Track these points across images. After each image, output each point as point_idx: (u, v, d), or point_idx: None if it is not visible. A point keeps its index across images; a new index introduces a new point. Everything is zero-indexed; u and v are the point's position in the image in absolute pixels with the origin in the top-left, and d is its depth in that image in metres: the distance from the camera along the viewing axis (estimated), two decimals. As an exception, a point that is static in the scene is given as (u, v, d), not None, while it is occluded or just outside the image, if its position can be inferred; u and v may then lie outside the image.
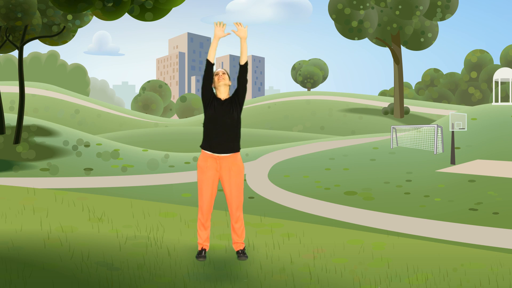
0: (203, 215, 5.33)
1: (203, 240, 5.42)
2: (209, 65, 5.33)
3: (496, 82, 52.48)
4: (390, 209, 12.55)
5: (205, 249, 5.43)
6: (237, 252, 5.47)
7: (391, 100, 51.80)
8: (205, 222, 5.35)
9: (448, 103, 68.74)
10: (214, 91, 5.42)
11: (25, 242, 5.49)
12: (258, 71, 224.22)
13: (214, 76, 5.38)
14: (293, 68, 79.05)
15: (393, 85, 51.34)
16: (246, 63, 5.36)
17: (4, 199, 8.61)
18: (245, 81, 5.35)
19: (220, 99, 5.34)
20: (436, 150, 20.73)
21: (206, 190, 5.30)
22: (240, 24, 5.34)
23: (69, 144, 21.32)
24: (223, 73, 5.35)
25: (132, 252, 5.43)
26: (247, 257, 5.44)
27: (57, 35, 22.37)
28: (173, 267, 4.99)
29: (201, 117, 55.22)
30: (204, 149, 5.33)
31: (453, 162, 18.64)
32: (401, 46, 44.29)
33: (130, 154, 21.64)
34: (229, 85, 5.43)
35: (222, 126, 5.26)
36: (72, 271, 4.58)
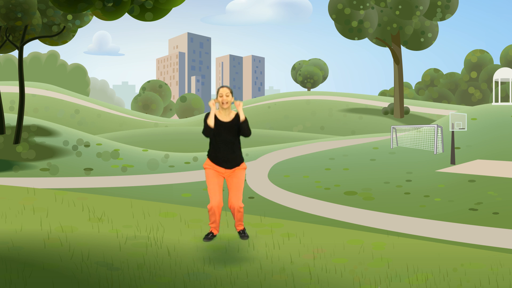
0: (213, 208, 5.92)
1: (214, 226, 6.06)
2: (208, 127, 5.87)
3: (496, 82, 52.49)
4: (390, 209, 12.55)
5: (213, 233, 6.11)
6: (239, 232, 6.22)
7: (391, 100, 51.80)
8: (215, 212, 5.95)
9: (448, 103, 68.75)
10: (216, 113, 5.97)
11: (25, 242, 5.49)
12: (258, 71, 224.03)
13: (218, 96, 5.93)
14: (293, 68, 79.03)
15: (393, 85, 51.35)
16: (245, 121, 5.89)
17: (4, 199, 8.60)
18: (247, 132, 5.89)
19: (223, 121, 5.93)
20: (436, 150, 20.73)
21: (214, 184, 5.92)
22: (238, 104, 5.87)
23: (69, 144, 21.32)
24: (227, 95, 5.90)
25: (132, 252, 5.43)
26: (248, 236, 6.20)
27: (57, 35, 22.37)
28: (173, 267, 4.99)
29: (201, 117, 55.22)
30: (210, 159, 5.99)
31: (453, 162, 18.64)
32: (401, 46, 44.29)
33: (130, 154, 21.63)
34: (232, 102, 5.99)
35: (225, 145, 5.91)
36: (72, 271, 4.58)
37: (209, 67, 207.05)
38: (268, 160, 20.40)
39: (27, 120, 24.24)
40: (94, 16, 20.41)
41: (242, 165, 6.05)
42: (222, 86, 5.94)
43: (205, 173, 6.02)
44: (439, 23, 45.21)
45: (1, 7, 20.04)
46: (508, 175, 16.08)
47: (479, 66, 68.59)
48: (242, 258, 5.58)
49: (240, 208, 6.00)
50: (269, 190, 15.05)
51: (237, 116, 5.96)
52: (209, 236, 6.09)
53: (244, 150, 22.24)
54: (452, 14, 41.02)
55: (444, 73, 72.77)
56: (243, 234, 6.21)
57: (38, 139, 21.51)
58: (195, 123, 51.36)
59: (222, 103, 5.88)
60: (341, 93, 55.57)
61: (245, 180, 16.46)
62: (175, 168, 19.19)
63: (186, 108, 74.43)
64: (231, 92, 5.98)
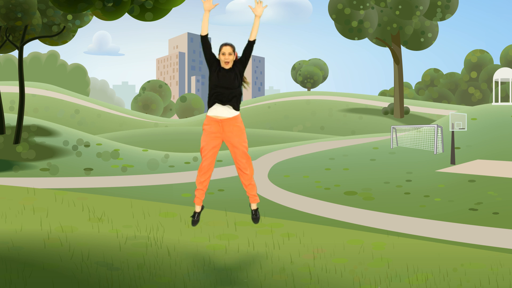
0: (204, 167, 5.60)
1: (199, 195, 5.66)
2: (204, 39, 5.62)
3: (496, 82, 52.48)
4: (390, 209, 12.55)
5: (197, 212, 5.68)
6: (251, 212, 5.78)
7: (391, 100, 51.78)
8: (206, 172, 5.61)
9: (448, 103, 68.72)
10: (218, 57, 5.71)
11: (25, 242, 5.48)
12: (258, 71, 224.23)
13: (220, 54, 5.64)
14: (293, 68, 79.00)
15: (393, 85, 51.35)
16: (255, 41, 5.67)
17: (4, 199, 8.60)
18: (250, 55, 5.69)
19: (224, 68, 5.65)
20: (436, 150, 20.73)
21: (208, 148, 5.61)
22: (260, 2, 5.60)
23: (69, 144, 21.31)
24: (230, 54, 5.61)
25: (132, 252, 5.42)
26: (258, 219, 5.73)
27: (57, 35, 22.36)
28: (173, 267, 4.99)
29: (201, 118, 55.21)
30: (209, 114, 5.70)
31: (453, 162, 18.63)
32: (401, 46, 44.28)
33: (130, 154, 21.63)
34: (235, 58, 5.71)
35: (225, 92, 5.61)
36: (72, 271, 4.58)
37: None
38: (268, 160, 20.40)
39: (27, 120, 24.24)
40: (94, 16, 20.41)
41: (239, 120, 5.70)
42: (225, 44, 5.67)
43: (202, 135, 5.74)
44: (439, 23, 45.15)
45: (1, 7, 20.04)
46: (508, 175, 16.08)
47: (479, 66, 68.57)
48: (242, 258, 5.58)
49: (249, 163, 5.62)
50: (269, 190, 15.05)
51: (237, 64, 5.70)
52: (195, 218, 5.70)
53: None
54: (452, 14, 41.01)
55: (444, 73, 72.74)
56: (254, 215, 5.76)
57: (38, 139, 21.51)
58: (195, 123, 51.34)
59: (224, 61, 5.62)
60: (341, 93, 55.56)
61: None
62: (175, 168, 19.18)
63: (186, 108, 74.42)
64: (234, 50, 5.67)
